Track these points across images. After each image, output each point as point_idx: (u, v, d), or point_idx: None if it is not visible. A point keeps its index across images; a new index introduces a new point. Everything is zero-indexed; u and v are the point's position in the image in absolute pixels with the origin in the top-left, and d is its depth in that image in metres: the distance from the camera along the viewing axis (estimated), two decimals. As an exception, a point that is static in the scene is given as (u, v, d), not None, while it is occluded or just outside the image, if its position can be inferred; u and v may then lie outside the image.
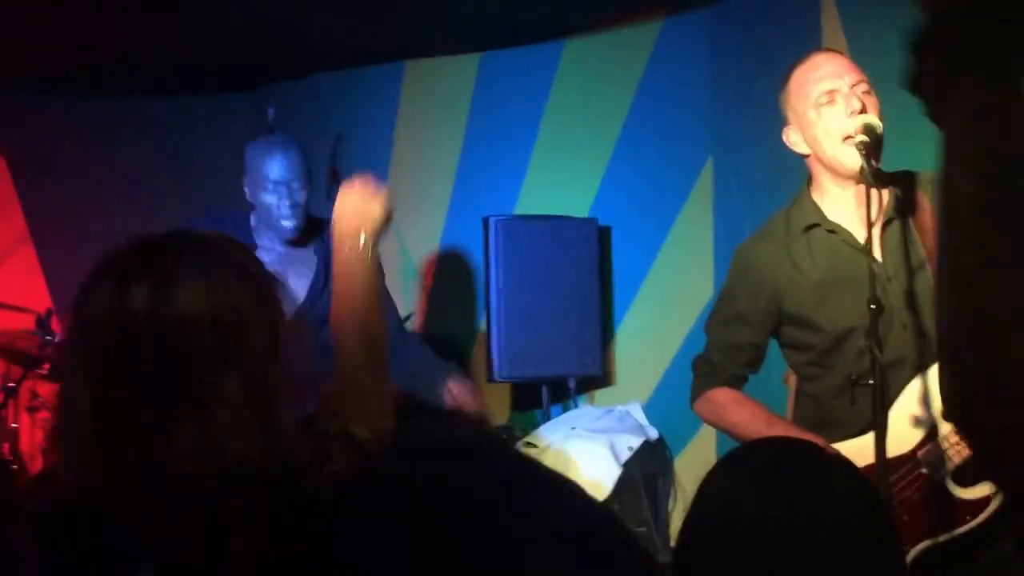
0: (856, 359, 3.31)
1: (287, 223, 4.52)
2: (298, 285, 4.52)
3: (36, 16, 6.02)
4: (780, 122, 3.49)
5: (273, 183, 4.53)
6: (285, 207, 4.51)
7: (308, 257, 4.61)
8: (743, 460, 1.97)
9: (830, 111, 3.33)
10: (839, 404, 3.38)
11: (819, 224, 3.43)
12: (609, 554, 0.93)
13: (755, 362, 3.62)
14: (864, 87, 3.33)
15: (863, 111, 3.27)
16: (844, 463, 1.97)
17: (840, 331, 3.38)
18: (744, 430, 3.50)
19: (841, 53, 3.52)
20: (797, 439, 2.50)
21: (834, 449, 3.22)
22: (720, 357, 3.61)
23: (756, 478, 1.86)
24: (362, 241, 2.53)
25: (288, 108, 6.88)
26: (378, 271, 2.57)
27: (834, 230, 3.41)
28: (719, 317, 3.66)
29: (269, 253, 4.52)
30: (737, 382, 3.62)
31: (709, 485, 1.90)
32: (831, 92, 3.33)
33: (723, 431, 3.75)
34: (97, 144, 7.35)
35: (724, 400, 3.59)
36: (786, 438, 2.80)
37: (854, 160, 3.22)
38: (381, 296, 2.52)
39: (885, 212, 3.36)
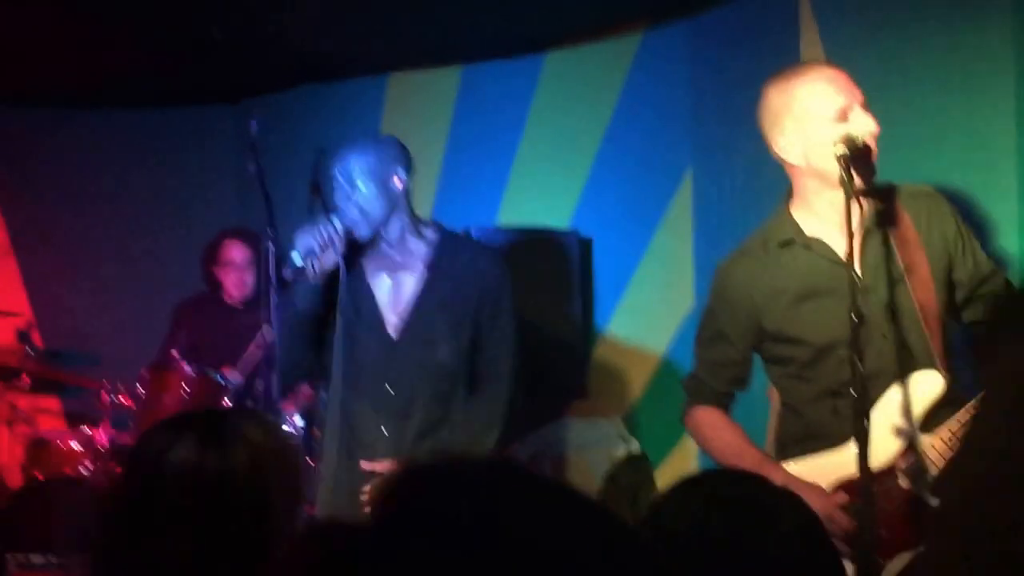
0: (837, 371, 3.33)
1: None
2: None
3: (18, 29, 6.02)
4: (760, 134, 3.49)
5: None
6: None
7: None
8: (694, 487, 2.01)
9: (843, 127, 3.32)
10: (821, 416, 3.41)
11: (795, 240, 3.46)
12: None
13: (739, 379, 3.66)
14: (867, 104, 3.38)
15: (874, 132, 3.32)
16: (789, 495, 2.02)
17: (821, 343, 3.40)
18: (719, 456, 3.59)
19: (834, 66, 3.53)
20: (747, 473, 2.53)
21: (797, 486, 3.21)
22: (705, 374, 3.66)
23: (705, 505, 1.91)
24: None
25: (271, 121, 6.88)
26: None
27: (809, 246, 3.43)
28: (703, 336, 3.70)
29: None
30: (723, 399, 3.66)
31: (661, 506, 1.95)
32: (845, 108, 3.35)
33: (704, 452, 3.82)
34: (79, 157, 7.35)
35: (705, 422, 3.65)
36: (737, 471, 2.82)
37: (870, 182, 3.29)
38: None
39: (864, 224, 3.37)
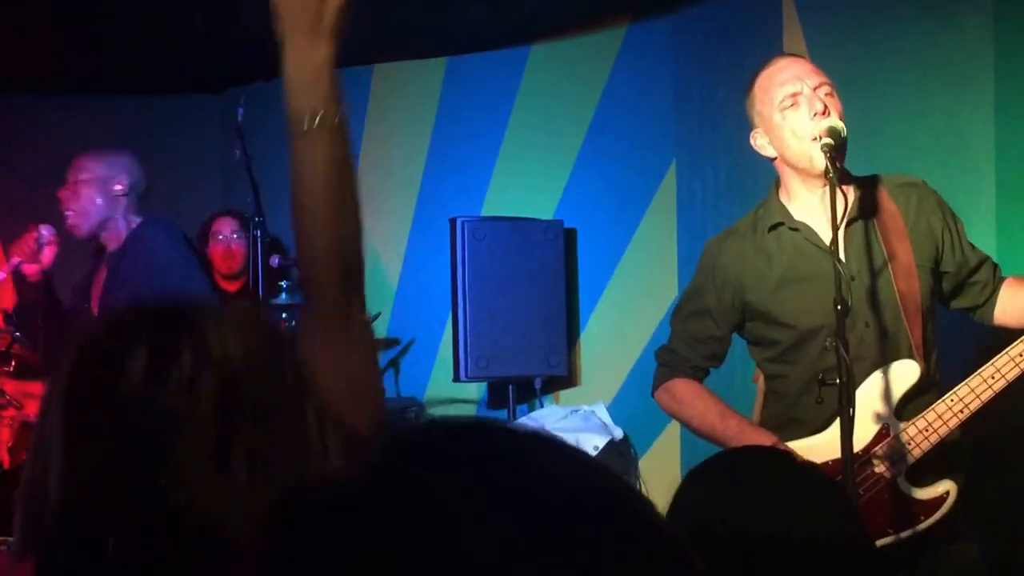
0: (819, 356, 3.36)
1: None
2: None
3: (4, 16, 6.02)
4: (743, 127, 3.53)
5: None
6: None
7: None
8: (716, 471, 2.00)
9: (794, 114, 3.37)
10: (804, 402, 3.43)
11: (783, 223, 3.49)
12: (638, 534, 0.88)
13: (717, 356, 3.67)
14: (827, 89, 3.39)
15: (825, 112, 3.33)
16: (815, 470, 2.04)
17: (803, 328, 3.43)
18: (699, 423, 3.58)
19: (803, 57, 3.58)
20: (768, 448, 2.56)
21: (789, 449, 3.31)
22: (683, 348, 3.65)
23: (733, 489, 1.91)
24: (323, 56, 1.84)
25: (257, 110, 6.91)
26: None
27: (798, 228, 3.47)
28: (685, 310, 3.71)
29: None
30: (699, 373, 3.66)
31: (684, 496, 1.93)
32: (794, 95, 3.37)
33: (680, 422, 3.81)
34: (63, 145, 7.35)
35: (683, 392, 3.63)
36: (757, 447, 2.83)
37: (822, 159, 3.25)
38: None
39: (849, 213, 3.39)
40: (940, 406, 3.33)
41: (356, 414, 1.71)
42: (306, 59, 1.79)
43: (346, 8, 1.82)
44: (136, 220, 4.69)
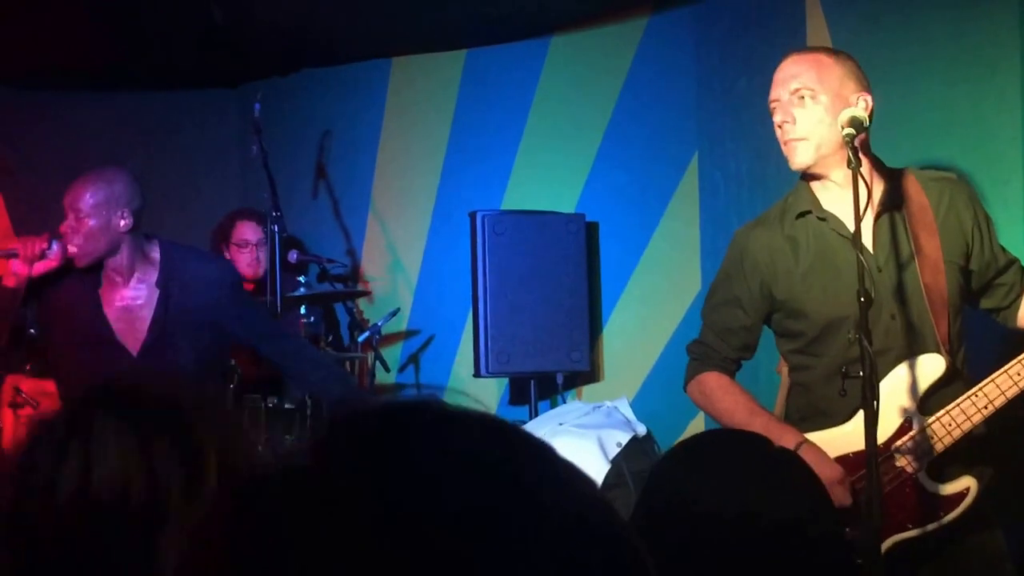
0: (843, 348, 3.35)
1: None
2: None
3: (21, 12, 6.01)
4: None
5: None
6: None
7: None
8: (696, 452, 2.03)
9: (774, 120, 3.45)
10: (827, 393, 3.42)
11: (811, 211, 3.48)
12: (605, 543, 0.89)
13: (748, 346, 3.67)
14: (804, 93, 3.38)
15: (781, 124, 3.40)
16: (792, 456, 2.07)
17: (827, 319, 3.43)
18: (728, 418, 3.57)
19: (805, 52, 3.53)
20: (746, 432, 2.56)
21: (811, 442, 3.33)
22: (714, 339, 3.65)
23: (708, 470, 1.93)
24: None
25: (274, 104, 6.88)
26: None
27: (825, 218, 3.46)
28: (714, 300, 3.70)
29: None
30: (730, 365, 3.66)
31: (662, 474, 1.98)
32: (774, 102, 3.44)
33: (710, 416, 3.81)
34: (81, 140, 7.33)
35: (713, 385, 3.63)
36: (734, 430, 2.93)
37: (794, 163, 3.40)
38: None
39: (878, 204, 3.41)
40: (965, 402, 3.32)
41: None
42: None
43: None
44: (151, 244, 4.70)
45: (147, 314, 4.64)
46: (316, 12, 6.25)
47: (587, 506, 0.90)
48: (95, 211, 4.53)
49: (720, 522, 1.85)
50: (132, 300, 4.66)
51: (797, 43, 5.07)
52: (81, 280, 4.62)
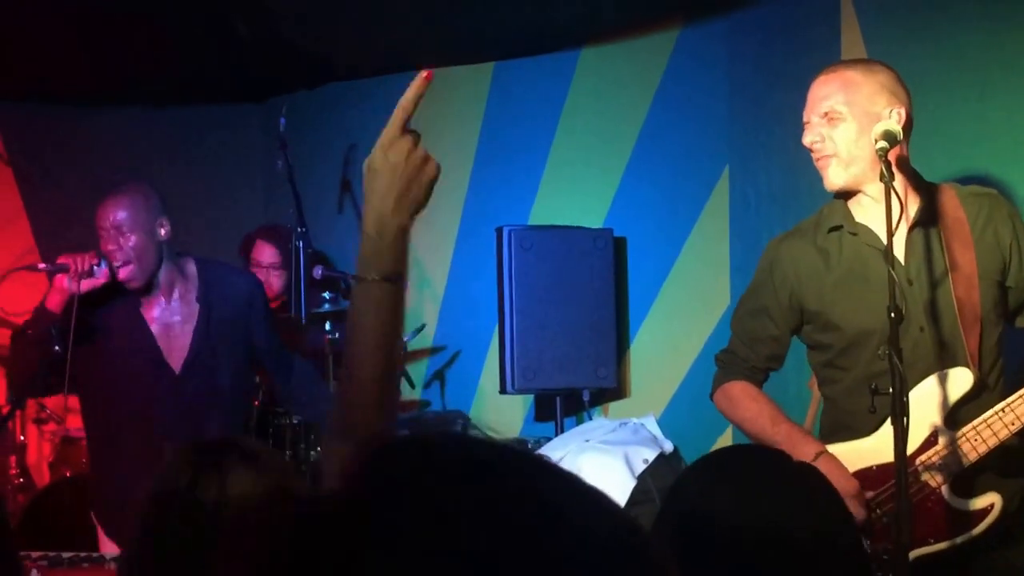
0: (869, 362, 3.38)
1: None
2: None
3: (49, 27, 6.01)
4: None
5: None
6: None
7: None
8: (717, 465, 2.04)
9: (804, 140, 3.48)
10: (852, 407, 3.44)
11: (843, 226, 3.50)
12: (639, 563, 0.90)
13: (776, 357, 3.69)
14: (833, 115, 3.39)
15: (811, 145, 3.43)
16: (812, 470, 2.06)
17: (856, 331, 3.44)
18: (751, 426, 3.61)
19: (835, 71, 3.51)
20: (767, 448, 2.58)
21: (832, 455, 3.36)
22: (742, 349, 3.68)
23: (730, 485, 1.93)
24: (409, 221, 2.03)
25: (299, 119, 6.86)
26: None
27: (856, 232, 3.47)
28: (743, 309, 3.73)
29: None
30: (757, 375, 3.69)
31: (684, 489, 1.98)
32: (806, 123, 3.46)
33: (734, 424, 3.82)
34: (106, 154, 7.32)
35: (738, 394, 3.66)
36: (755, 445, 2.97)
37: (827, 183, 3.44)
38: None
39: (914, 217, 3.42)
40: (992, 417, 3.31)
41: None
42: (388, 223, 1.99)
43: (433, 186, 2.02)
44: (185, 260, 4.70)
45: (188, 330, 4.65)
46: (342, 25, 6.22)
47: (620, 529, 0.91)
48: (137, 225, 4.51)
49: (741, 536, 1.84)
50: (172, 317, 4.67)
51: (831, 56, 5.02)
52: (123, 299, 4.59)
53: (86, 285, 4.44)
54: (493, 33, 6.46)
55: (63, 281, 4.46)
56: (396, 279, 1.99)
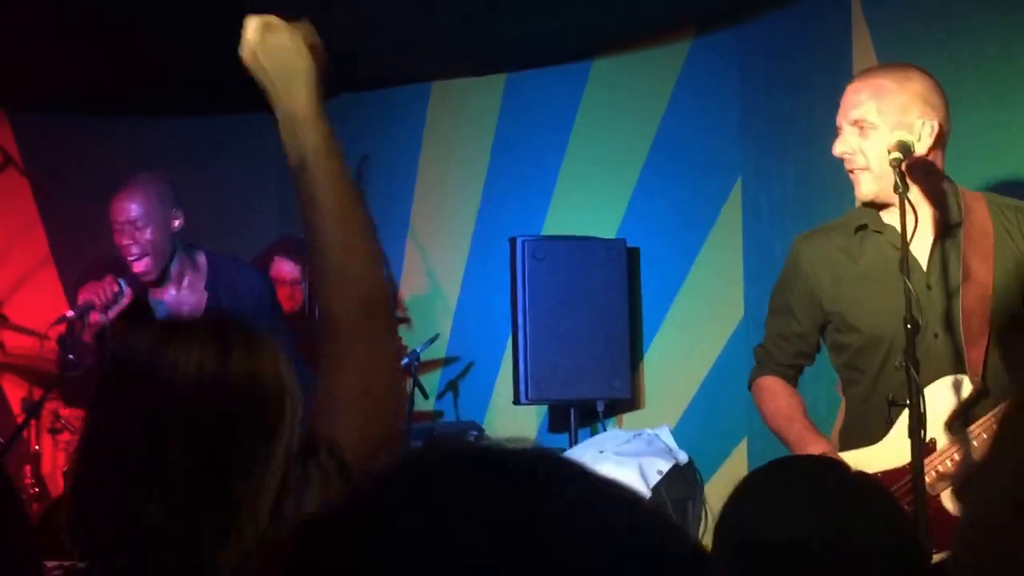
0: (881, 366, 3.42)
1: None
2: None
3: (61, 36, 6.02)
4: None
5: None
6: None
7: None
8: (763, 483, 1.98)
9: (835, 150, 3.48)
10: (868, 411, 3.45)
11: (868, 224, 3.51)
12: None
13: (803, 353, 3.72)
14: (864, 123, 3.39)
15: (842, 155, 3.44)
16: (866, 479, 2.04)
17: (873, 331, 3.46)
18: (771, 421, 3.67)
19: (870, 76, 3.52)
20: (818, 457, 2.59)
21: (840, 458, 3.27)
22: (771, 345, 3.73)
23: (781, 501, 1.89)
24: (309, 98, 2.12)
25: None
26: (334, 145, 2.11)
27: (882, 230, 3.48)
28: (772, 306, 3.77)
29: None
30: (787, 371, 3.72)
31: (731, 510, 1.92)
32: (838, 128, 3.47)
33: (762, 418, 3.85)
34: (119, 164, 7.34)
35: (765, 389, 3.72)
36: (807, 457, 2.89)
37: (858, 194, 3.46)
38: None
39: (940, 225, 3.44)
40: (986, 422, 3.31)
41: (375, 427, 1.90)
42: (297, 99, 2.09)
43: (322, 48, 2.12)
44: (197, 252, 4.72)
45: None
46: (354, 36, 6.22)
47: (666, 539, 0.90)
48: (151, 219, 4.55)
49: (796, 554, 1.80)
50: (181, 306, 4.71)
51: (843, 65, 5.01)
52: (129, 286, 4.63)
53: (117, 311, 4.47)
54: (505, 45, 6.46)
55: (95, 317, 4.49)
56: (332, 149, 2.08)
